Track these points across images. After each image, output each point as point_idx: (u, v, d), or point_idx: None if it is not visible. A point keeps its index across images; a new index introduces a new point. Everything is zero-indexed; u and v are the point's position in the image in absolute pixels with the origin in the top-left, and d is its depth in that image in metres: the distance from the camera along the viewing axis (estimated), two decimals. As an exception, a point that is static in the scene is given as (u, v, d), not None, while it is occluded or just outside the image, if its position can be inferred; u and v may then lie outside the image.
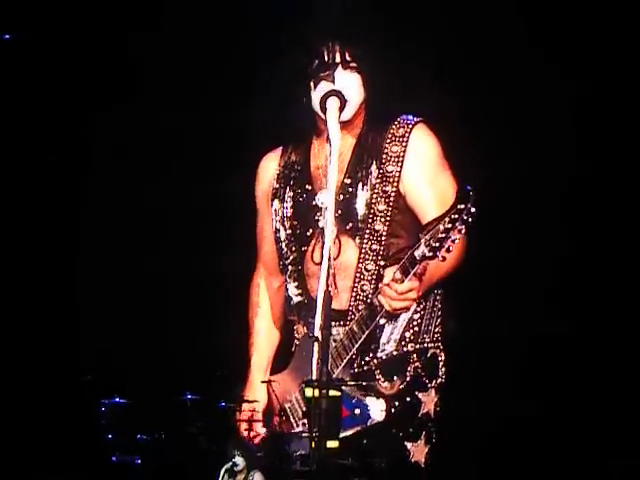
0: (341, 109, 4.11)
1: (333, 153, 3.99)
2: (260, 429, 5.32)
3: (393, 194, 4.40)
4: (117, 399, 8.74)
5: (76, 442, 8.25)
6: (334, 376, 4.56)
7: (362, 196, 4.56)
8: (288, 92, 4.63)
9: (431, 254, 4.03)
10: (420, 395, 4.68)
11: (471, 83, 6.70)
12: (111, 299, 8.09)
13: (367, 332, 4.48)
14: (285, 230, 4.76)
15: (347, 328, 4.58)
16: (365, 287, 4.61)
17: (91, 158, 7.85)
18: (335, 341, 4.55)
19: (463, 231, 3.98)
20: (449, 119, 5.32)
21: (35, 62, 7.50)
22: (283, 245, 4.71)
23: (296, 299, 4.71)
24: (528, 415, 7.05)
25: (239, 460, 6.55)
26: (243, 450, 6.42)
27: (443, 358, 4.57)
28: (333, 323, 4.58)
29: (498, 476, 7.14)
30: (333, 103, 4.11)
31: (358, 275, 4.52)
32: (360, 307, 4.55)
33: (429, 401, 4.74)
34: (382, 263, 4.51)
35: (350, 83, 4.30)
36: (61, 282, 8.16)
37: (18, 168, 7.76)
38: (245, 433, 5.36)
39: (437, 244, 4.00)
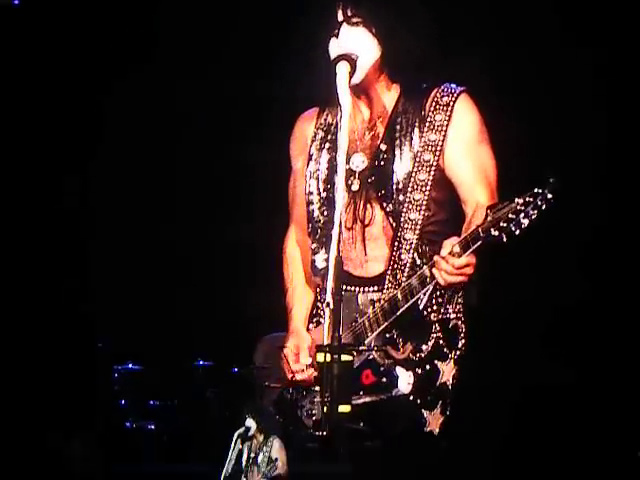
0: (352, 73, 4.07)
1: (344, 118, 3.94)
2: (306, 360, 5.02)
3: (435, 163, 4.33)
4: (130, 365, 8.87)
5: (90, 407, 8.39)
6: (367, 341, 4.54)
7: (400, 164, 4.48)
8: (307, 56, 4.46)
9: (497, 234, 3.98)
10: (439, 364, 4.69)
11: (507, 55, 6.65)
12: (126, 267, 8.17)
13: (411, 301, 4.32)
14: (319, 193, 4.70)
15: (390, 296, 4.58)
16: (403, 256, 4.55)
17: (106, 126, 7.90)
18: (373, 306, 4.52)
19: (534, 217, 3.96)
20: (486, 89, 5.31)
21: (42, 28, 7.52)
22: (315, 208, 4.64)
23: (321, 265, 4.67)
24: (549, 384, 7.12)
25: (250, 423, 6.62)
26: (257, 414, 6.55)
27: (464, 330, 4.57)
28: (366, 288, 4.60)
29: (511, 450, 7.24)
30: (342, 68, 4.07)
31: (396, 244, 4.46)
32: (398, 275, 4.54)
33: (448, 371, 4.59)
34: (419, 233, 4.42)
35: (357, 39, 4.22)
36: (77, 250, 8.25)
37: (31, 133, 7.81)
38: (293, 364, 5.03)
39: (505, 224, 3.95)
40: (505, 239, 4.00)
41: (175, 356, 8.45)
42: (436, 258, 4.18)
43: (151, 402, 8.70)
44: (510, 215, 3.97)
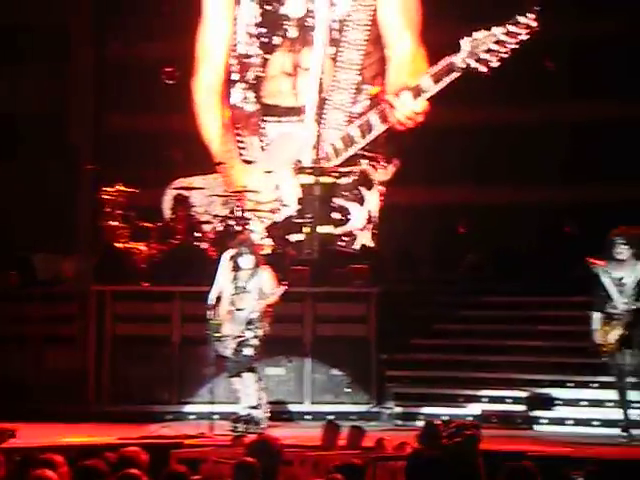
0: None
1: None
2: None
3: (372, 3, 4.41)
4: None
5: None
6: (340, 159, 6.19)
7: (338, 5, 4.65)
8: None
9: (476, 64, 3.73)
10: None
11: None
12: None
13: (366, 141, 6.15)
14: (249, 38, 4.61)
15: (344, 132, 6.08)
16: (341, 96, 5.59)
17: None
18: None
19: (514, 47, 3.81)
20: None
21: None
22: (242, 52, 5.57)
23: (249, 106, 5.98)
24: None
25: (248, 257, 10.89)
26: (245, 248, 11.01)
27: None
28: (296, 118, 6.27)
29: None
30: None
31: (334, 84, 4.57)
32: (330, 113, 5.65)
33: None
34: (357, 73, 4.63)
35: None
36: None
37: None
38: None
39: (486, 55, 3.68)
40: (484, 70, 4.47)
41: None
42: (396, 99, 4.57)
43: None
44: (491, 45, 3.92)
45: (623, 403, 11.16)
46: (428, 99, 9.90)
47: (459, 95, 11.68)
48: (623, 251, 10.84)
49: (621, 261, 10.82)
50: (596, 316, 11.02)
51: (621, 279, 10.76)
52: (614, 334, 10.82)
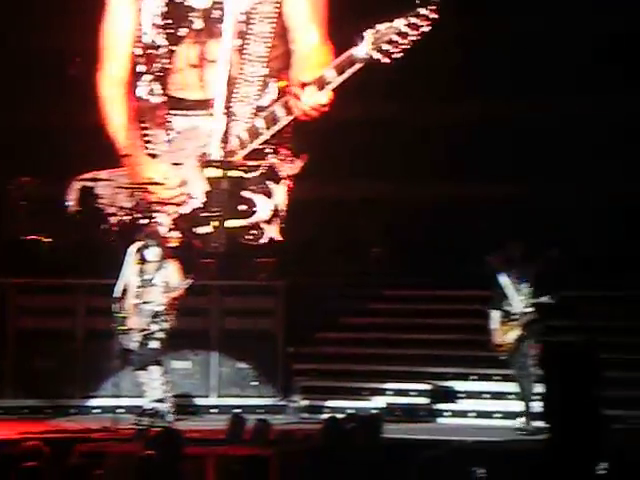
0: None
1: None
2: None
3: None
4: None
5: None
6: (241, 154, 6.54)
7: None
8: None
9: (378, 56, 3.76)
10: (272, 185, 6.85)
11: None
12: None
13: (271, 132, 6.34)
14: (155, 29, 4.36)
15: (250, 125, 6.31)
16: (248, 89, 5.60)
17: None
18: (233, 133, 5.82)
19: (415, 39, 3.81)
20: None
21: None
22: (148, 44, 4.67)
23: (155, 99, 5.93)
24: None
25: (154, 250, 10.84)
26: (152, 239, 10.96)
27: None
28: (203, 112, 6.46)
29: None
30: None
31: (241, 77, 4.45)
32: (238, 108, 5.70)
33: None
34: (263, 66, 4.36)
35: None
36: None
37: None
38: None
39: (388, 46, 3.69)
40: (386, 61, 4.38)
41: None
42: (300, 91, 4.63)
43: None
44: (393, 37, 3.91)
45: (525, 396, 11.36)
46: (333, 91, 10.18)
47: (357, 90, 11.86)
48: (513, 250, 11.01)
49: (514, 259, 10.98)
50: (494, 315, 11.20)
51: (516, 277, 10.93)
52: (513, 334, 11.00)
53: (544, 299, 10.89)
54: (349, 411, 11.28)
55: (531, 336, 11.11)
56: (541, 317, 11.06)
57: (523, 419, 11.33)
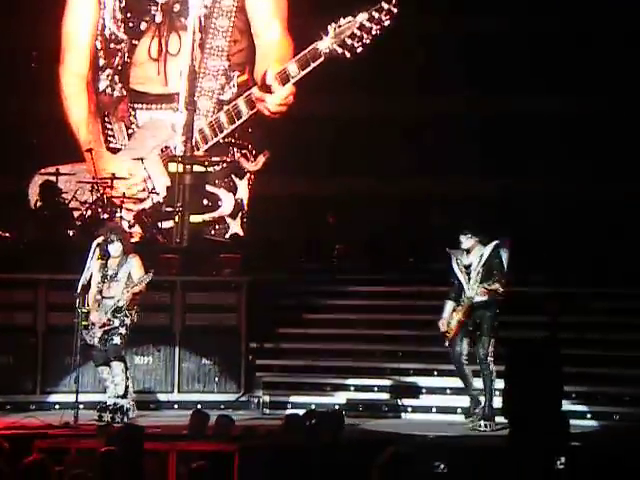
0: None
1: None
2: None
3: None
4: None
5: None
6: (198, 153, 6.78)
7: None
8: None
9: (340, 50, 3.98)
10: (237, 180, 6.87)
11: None
12: None
13: (234, 127, 6.56)
14: (115, 23, 5.24)
15: (212, 119, 6.44)
16: (209, 84, 5.75)
17: None
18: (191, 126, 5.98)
19: (377, 33, 4.19)
20: None
21: None
22: (109, 37, 5.59)
23: (116, 93, 6.05)
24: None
25: (116, 245, 10.85)
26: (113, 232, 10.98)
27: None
28: (165, 106, 6.61)
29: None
30: None
31: (203, 71, 5.44)
32: (203, 103, 5.86)
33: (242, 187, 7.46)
34: (225, 60, 5.34)
35: None
36: None
37: None
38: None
39: (350, 41, 3.97)
40: (348, 55, 4.67)
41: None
42: (257, 91, 5.41)
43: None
44: (355, 31, 4.20)
45: (467, 388, 11.41)
46: (295, 85, 10.21)
47: (318, 85, 11.86)
48: (464, 241, 11.09)
49: (468, 250, 11.06)
50: (449, 304, 11.22)
51: (468, 266, 10.99)
52: (455, 319, 11.06)
53: (490, 286, 10.87)
54: (311, 407, 11.26)
55: (469, 324, 11.14)
56: (488, 305, 11.02)
57: (475, 417, 11.30)
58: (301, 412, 9.48)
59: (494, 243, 11.01)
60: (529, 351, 7.46)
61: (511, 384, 7.53)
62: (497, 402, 10.63)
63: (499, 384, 10.30)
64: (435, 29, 12.95)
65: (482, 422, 11.02)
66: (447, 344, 11.29)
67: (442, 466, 7.50)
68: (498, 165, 14.05)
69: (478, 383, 11.30)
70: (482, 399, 11.19)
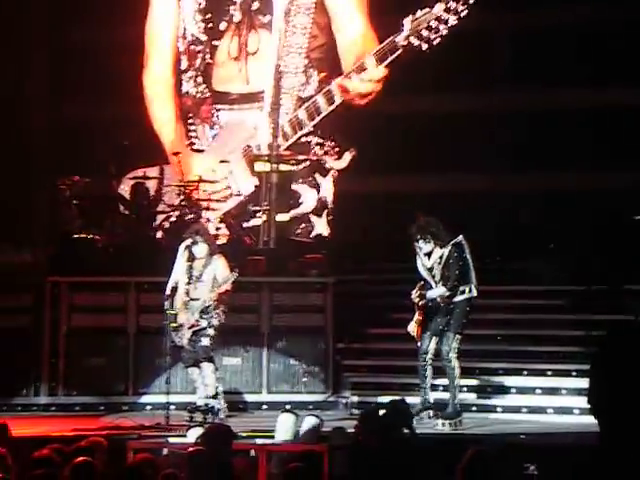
0: None
1: None
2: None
3: None
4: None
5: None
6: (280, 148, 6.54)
7: None
8: None
9: (417, 42, 3.85)
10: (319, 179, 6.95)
11: None
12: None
13: (314, 123, 6.40)
14: (195, 24, 4.62)
15: (292, 116, 6.44)
16: (290, 80, 5.85)
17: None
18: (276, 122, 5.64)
19: (454, 24, 3.93)
20: None
21: None
22: (190, 40, 5.37)
23: (199, 94, 6.04)
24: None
25: (202, 246, 10.91)
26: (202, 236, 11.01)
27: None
28: (248, 105, 6.60)
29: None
30: None
31: (284, 68, 4.65)
32: (284, 100, 5.97)
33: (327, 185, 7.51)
34: (304, 57, 4.64)
35: None
36: None
37: None
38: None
39: (427, 33, 3.83)
40: (425, 47, 4.47)
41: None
42: (347, 73, 4.55)
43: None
44: (432, 22, 4.04)
45: (420, 387, 11.26)
46: (378, 82, 10.14)
47: (404, 83, 11.85)
48: (423, 246, 10.92)
49: (429, 254, 10.90)
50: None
51: (431, 269, 10.84)
52: (414, 320, 10.94)
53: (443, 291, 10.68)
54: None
55: (445, 323, 10.95)
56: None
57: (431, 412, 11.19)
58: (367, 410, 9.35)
59: (451, 244, 10.81)
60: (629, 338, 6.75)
61: (603, 377, 6.77)
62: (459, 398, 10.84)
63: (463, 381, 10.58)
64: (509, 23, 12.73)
65: (440, 421, 10.85)
66: (419, 344, 11.09)
67: (532, 467, 7.30)
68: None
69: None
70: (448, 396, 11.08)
